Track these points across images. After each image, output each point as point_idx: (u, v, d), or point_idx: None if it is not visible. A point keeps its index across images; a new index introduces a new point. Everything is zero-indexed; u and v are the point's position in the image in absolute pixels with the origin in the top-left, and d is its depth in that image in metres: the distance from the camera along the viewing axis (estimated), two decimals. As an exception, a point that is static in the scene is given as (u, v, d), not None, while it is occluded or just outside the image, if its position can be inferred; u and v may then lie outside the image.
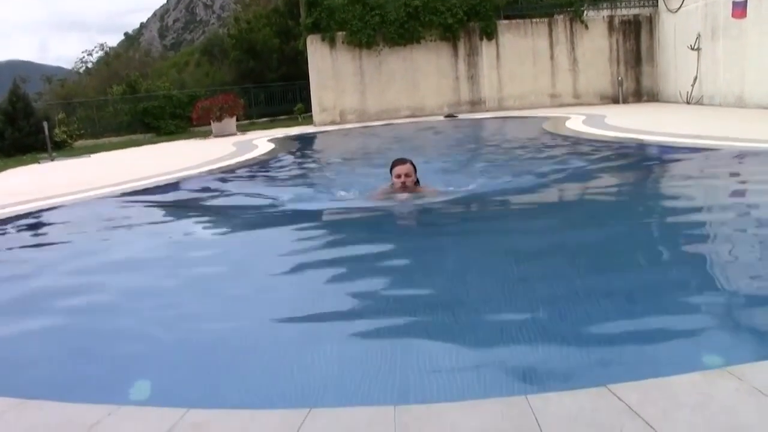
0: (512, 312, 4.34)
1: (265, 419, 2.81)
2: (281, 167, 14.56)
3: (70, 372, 3.94)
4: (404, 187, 7.77)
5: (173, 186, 12.11)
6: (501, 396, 2.74)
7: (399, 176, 7.76)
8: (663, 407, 2.60)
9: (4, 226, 9.20)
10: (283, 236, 7.21)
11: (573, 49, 28.20)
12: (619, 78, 27.44)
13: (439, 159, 13.13)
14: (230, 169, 14.27)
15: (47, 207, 10.49)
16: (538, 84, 28.30)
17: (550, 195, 8.71)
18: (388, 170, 8.21)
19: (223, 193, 11.10)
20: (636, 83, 27.84)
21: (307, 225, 7.93)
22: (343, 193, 9.39)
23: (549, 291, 4.72)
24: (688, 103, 22.85)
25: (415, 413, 2.72)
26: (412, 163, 7.94)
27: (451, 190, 8.68)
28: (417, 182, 7.95)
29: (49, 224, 9.50)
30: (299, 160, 16.53)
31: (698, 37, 22.16)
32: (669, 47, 25.48)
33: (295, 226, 7.77)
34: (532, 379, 3.20)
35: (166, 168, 14.78)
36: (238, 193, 10.96)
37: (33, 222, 9.59)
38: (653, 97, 27.23)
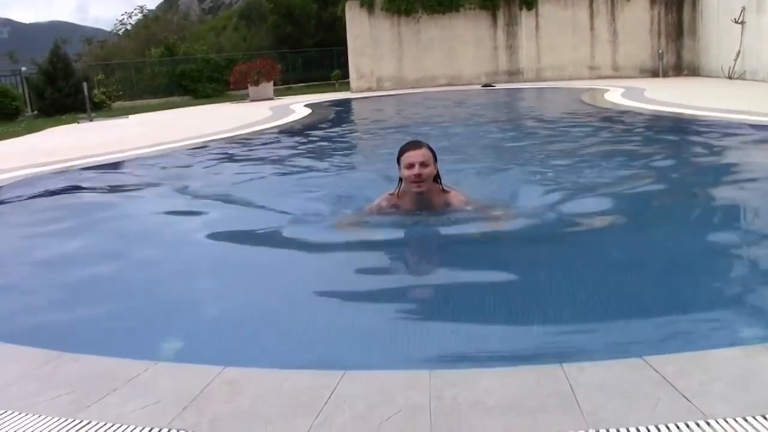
0: (550, 283, 4.33)
1: (301, 379, 2.82)
2: (313, 135, 14.56)
3: (109, 327, 3.99)
4: (420, 182, 5.42)
5: (209, 148, 12.19)
6: (536, 363, 2.72)
7: (411, 166, 5.41)
8: (700, 380, 2.58)
9: (49, 182, 9.34)
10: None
11: (613, 20, 27.85)
12: (660, 51, 27.07)
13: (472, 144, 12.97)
14: (266, 133, 14.34)
15: (88, 165, 10.63)
16: (577, 55, 28.01)
17: (585, 166, 8.64)
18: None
19: (259, 158, 11.15)
20: (677, 57, 27.43)
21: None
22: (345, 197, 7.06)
23: (587, 262, 4.71)
24: (729, 78, 22.49)
25: (449, 379, 2.72)
26: (429, 148, 5.56)
27: (486, 203, 6.16)
28: (438, 178, 5.63)
29: (90, 181, 9.58)
30: (333, 128, 16.54)
31: (743, 10, 21.75)
32: (712, 20, 25.04)
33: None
34: (568, 349, 3.19)
35: (205, 130, 14.86)
36: (273, 159, 11.01)
37: (73, 179, 9.68)
38: (694, 71, 26.83)
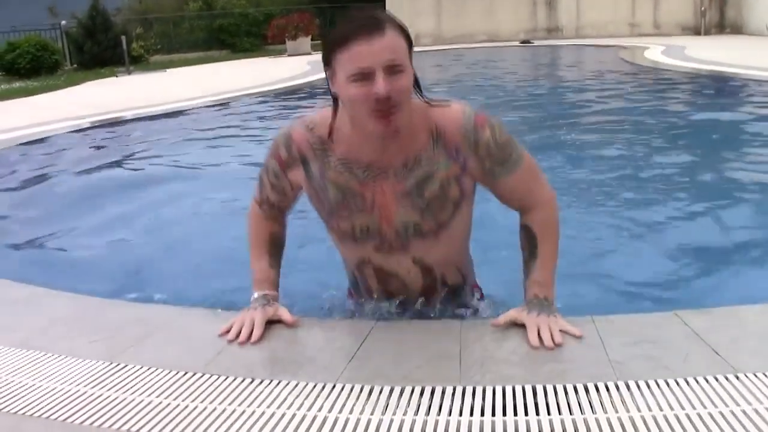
0: (583, 235, 4.33)
1: (334, 326, 2.88)
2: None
3: (148, 274, 4.06)
4: (389, 110, 2.32)
5: (256, 100, 12.31)
6: (566, 316, 2.73)
7: (367, 75, 2.30)
8: (730, 335, 2.58)
9: (90, 134, 9.49)
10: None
11: (656, -24, 27.38)
12: (703, 9, 26.56)
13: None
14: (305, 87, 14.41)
15: (135, 116, 10.82)
16: (617, 13, 27.58)
17: (620, 123, 8.60)
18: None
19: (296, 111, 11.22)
20: (720, 14, 26.90)
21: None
22: None
23: (621, 216, 4.71)
24: (774, 36, 22.07)
25: (480, 329, 2.74)
26: (400, 29, 2.47)
27: None
28: (417, 85, 2.51)
29: (129, 135, 9.69)
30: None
31: (791, -35, 21.23)
32: (758, -24, 24.48)
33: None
34: (599, 302, 3.21)
35: (246, 83, 14.98)
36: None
37: (114, 131, 9.82)
38: (737, 29, 26.30)
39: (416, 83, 2.52)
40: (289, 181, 2.73)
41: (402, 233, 2.64)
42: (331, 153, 2.60)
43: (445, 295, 2.91)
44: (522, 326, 2.62)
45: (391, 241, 2.67)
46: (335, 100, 2.53)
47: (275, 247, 2.93)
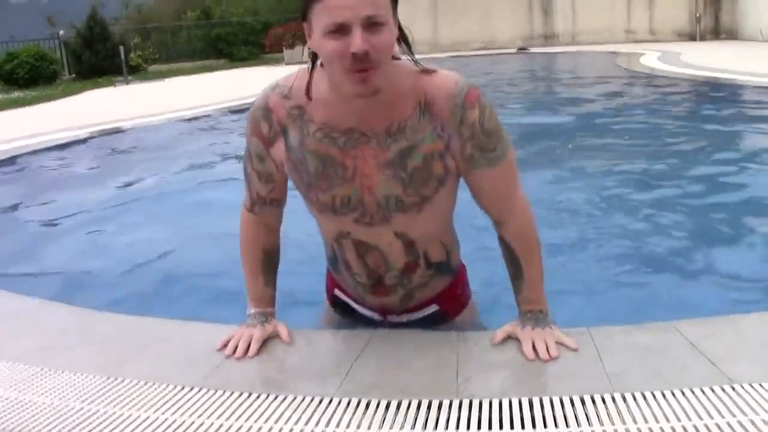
0: (579, 246, 4.34)
1: (331, 338, 2.88)
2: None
3: (145, 286, 4.06)
4: (366, 69, 2.13)
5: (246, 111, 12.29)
6: (562, 327, 2.73)
7: (343, 28, 2.10)
8: (727, 344, 2.58)
9: (87, 144, 9.48)
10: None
11: (651, -18, 27.47)
12: (698, 15, 26.62)
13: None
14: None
15: (130, 127, 10.81)
16: (613, 19, 27.69)
17: (618, 130, 8.60)
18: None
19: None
20: (714, 20, 27.00)
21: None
22: None
23: (617, 226, 4.71)
24: (769, 42, 22.14)
25: (474, 339, 2.74)
26: None
27: None
28: (408, 46, 2.44)
29: (127, 144, 9.70)
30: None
31: (784, -29, 21.32)
32: (752, -18, 24.56)
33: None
34: (595, 313, 3.20)
35: (241, 93, 14.96)
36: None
37: (113, 140, 9.83)
38: (732, 35, 26.40)
39: (407, 44, 2.42)
40: (273, 160, 2.54)
41: (384, 205, 2.46)
42: (310, 120, 2.41)
43: (427, 269, 2.70)
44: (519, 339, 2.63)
45: (372, 212, 2.48)
46: (313, 60, 2.37)
47: (269, 264, 2.83)
